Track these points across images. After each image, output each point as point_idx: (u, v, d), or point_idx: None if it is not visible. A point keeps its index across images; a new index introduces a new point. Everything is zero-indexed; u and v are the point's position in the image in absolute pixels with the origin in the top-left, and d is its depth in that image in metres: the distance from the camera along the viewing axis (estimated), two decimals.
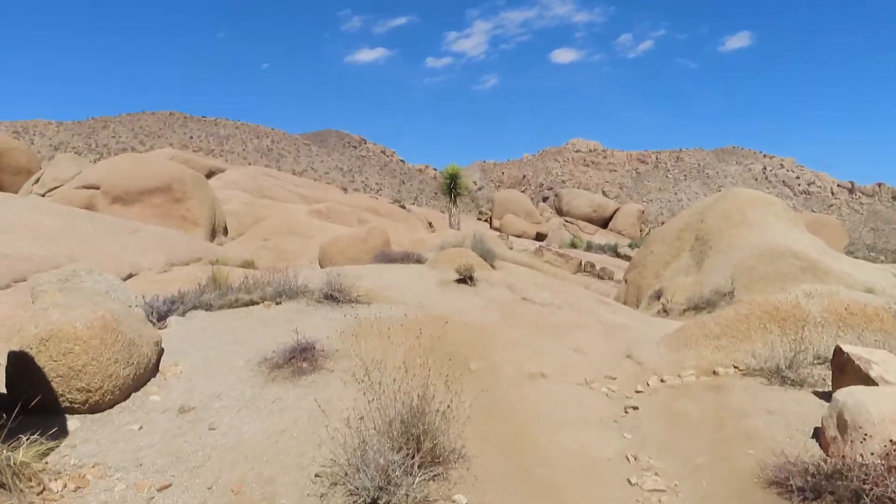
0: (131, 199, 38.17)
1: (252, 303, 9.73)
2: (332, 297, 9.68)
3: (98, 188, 37.58)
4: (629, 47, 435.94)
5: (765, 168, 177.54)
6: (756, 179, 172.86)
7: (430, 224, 57.05)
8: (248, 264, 17.65)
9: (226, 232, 42.52)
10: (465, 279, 11.15)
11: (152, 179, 38.66)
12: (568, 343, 8.32)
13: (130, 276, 12.56)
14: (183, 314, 9.56)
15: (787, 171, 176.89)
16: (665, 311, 17.28)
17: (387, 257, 14.77)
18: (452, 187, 27.62)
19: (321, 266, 17.02)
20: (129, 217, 38.38)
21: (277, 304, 9.70)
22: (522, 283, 11.72)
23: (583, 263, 53.03)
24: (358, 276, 11.04)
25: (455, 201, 27.72)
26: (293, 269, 12.07)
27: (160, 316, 9.49)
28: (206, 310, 9.69)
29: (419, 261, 14.56)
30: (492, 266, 13.40)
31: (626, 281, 20.71)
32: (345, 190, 61.50)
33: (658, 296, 18.51)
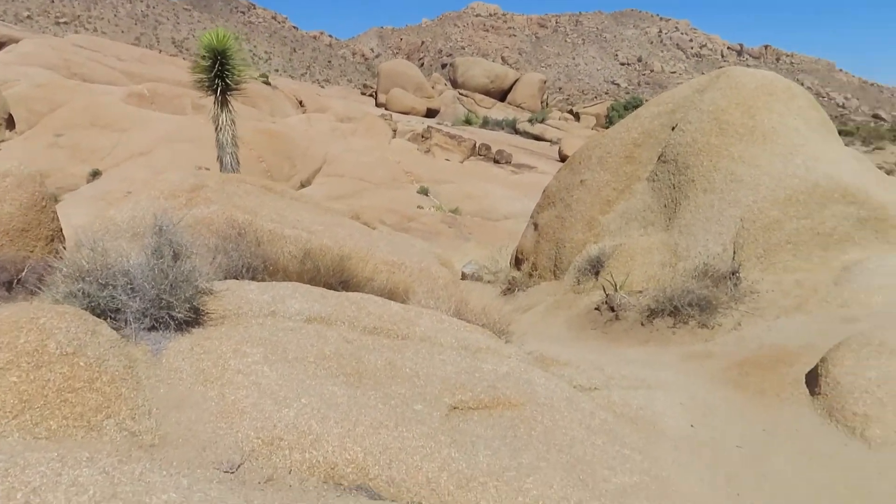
0: None
1: None
2: None
3: None
4: None
5: (660, 31, 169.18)
6: (651, 43, 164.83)
7: (300, 103, 45.88)
8: None
9: (11, 125, 30.72)
10: None
11: None
12: None
13: None
14: None
15: (682, 34, 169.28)
16: (612, 308, 8.68)
17: None
18: (218, 72, 12.60)
19: None
20: None
21: None
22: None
23: (477, 146, 43.99)
24: None
25: (225, 100, 12.72)
26: None
27: None
28: None
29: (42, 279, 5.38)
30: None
31: (535, 226, 11.78)
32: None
33: (595, 269, 9.83)
